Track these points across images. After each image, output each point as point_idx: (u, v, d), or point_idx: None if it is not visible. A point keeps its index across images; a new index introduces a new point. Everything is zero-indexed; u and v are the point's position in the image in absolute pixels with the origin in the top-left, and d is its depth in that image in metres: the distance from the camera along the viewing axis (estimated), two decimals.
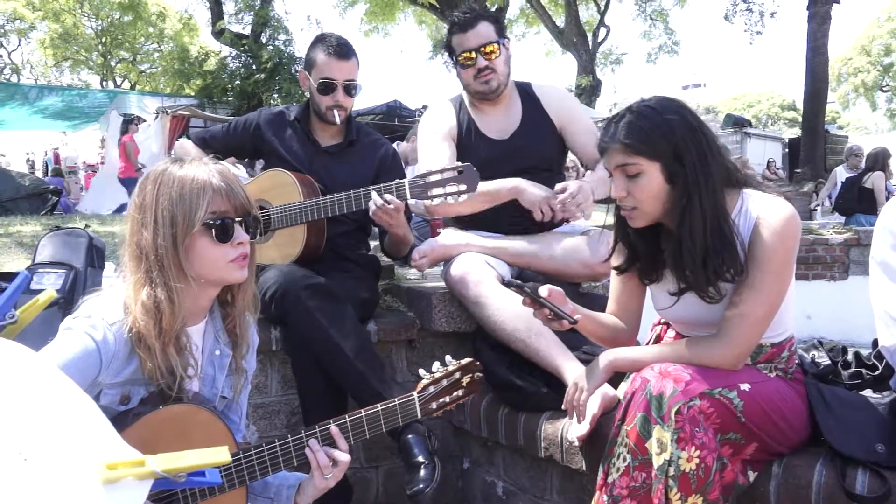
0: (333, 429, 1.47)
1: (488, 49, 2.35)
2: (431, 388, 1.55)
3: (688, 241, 1.47)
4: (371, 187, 2.14)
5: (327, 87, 2.36)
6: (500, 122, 2.45)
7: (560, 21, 21.24)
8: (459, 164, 2.05)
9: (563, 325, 1.63)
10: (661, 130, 1.46)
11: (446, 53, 2.48)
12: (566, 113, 2.46)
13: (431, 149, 2.42)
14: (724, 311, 1.50)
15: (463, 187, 2.01)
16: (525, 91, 2.49)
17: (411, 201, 2.12)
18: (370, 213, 2.15)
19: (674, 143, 1.46)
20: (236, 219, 1.40)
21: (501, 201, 2.30)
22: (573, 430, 1.83)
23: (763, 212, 1.48)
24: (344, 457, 1.47)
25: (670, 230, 1.54)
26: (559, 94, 2.52)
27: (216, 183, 1.37)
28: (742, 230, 1.50)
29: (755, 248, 1.47)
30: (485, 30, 2.36)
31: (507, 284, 1.66)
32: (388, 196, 2.09)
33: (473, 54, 2.35)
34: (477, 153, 2.38)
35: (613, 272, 1.76)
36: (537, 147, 2.41)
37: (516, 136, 2.43)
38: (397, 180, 2.12)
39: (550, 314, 1.61)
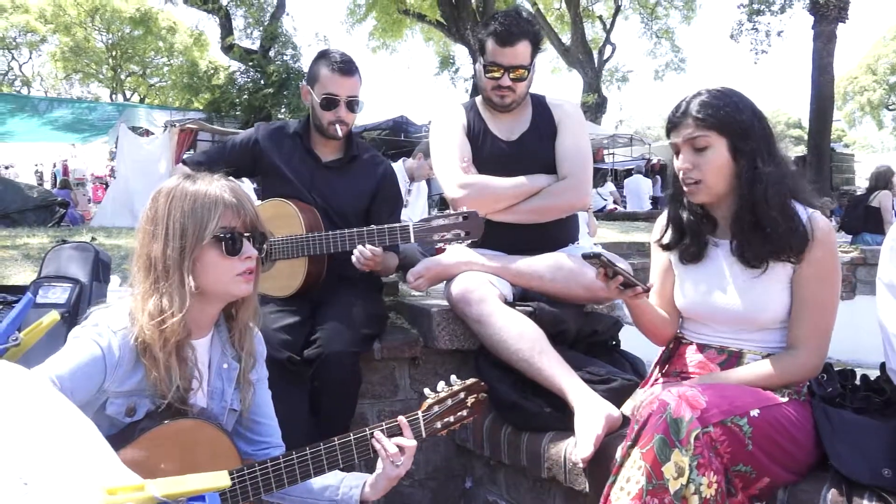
0: (401, 420, 1.53)
1: (517, 72, 2.33)
2: (436, 408, 1.54)
3: (762, 205, 1.59)
4: (374, 227, 2.16)
5: (330, 103, 2.37)
6: (510, 124, 2.45)
7: (566, 38, 21.36)
8: (465, 210, 2.06)
9: (636, 292, 1.70)
10: (731, 109, 1.62)
11: (477, 48, 2.43)
12: (564, 121, 2.45)
13: (446, 144, 2.41)
14: (796, 326, 1.62)
15: (466, 233, 2.03)
16: (538, 101, 2.49)
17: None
18: (354, 262, 2.18)
19: (741, 122, 1.61)
20: (245, 234, 1.42)
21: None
22: (577, 451, 1.81)
23: (814, 219, 1.61)
24: (410, 442, 1.51)
25: (722, 216, 1.70)
26: (569, 107, 2.51)
27: (227, 198, 1.40)
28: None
29: (812, 263, 1.59)
30: (522, 51, 2.31)
31: (585, 257, 1.72)
32: (371, 247, 2.14)
33: (501, 70, 2.33)
34: (484, 149, 2.41)
35: (656, 250, 1.86)
36: (543, 152, 2.40)
37: (524, 138, 2.42)
38: (401, 223, 2.15)
39: (622, 283, 1.68)
